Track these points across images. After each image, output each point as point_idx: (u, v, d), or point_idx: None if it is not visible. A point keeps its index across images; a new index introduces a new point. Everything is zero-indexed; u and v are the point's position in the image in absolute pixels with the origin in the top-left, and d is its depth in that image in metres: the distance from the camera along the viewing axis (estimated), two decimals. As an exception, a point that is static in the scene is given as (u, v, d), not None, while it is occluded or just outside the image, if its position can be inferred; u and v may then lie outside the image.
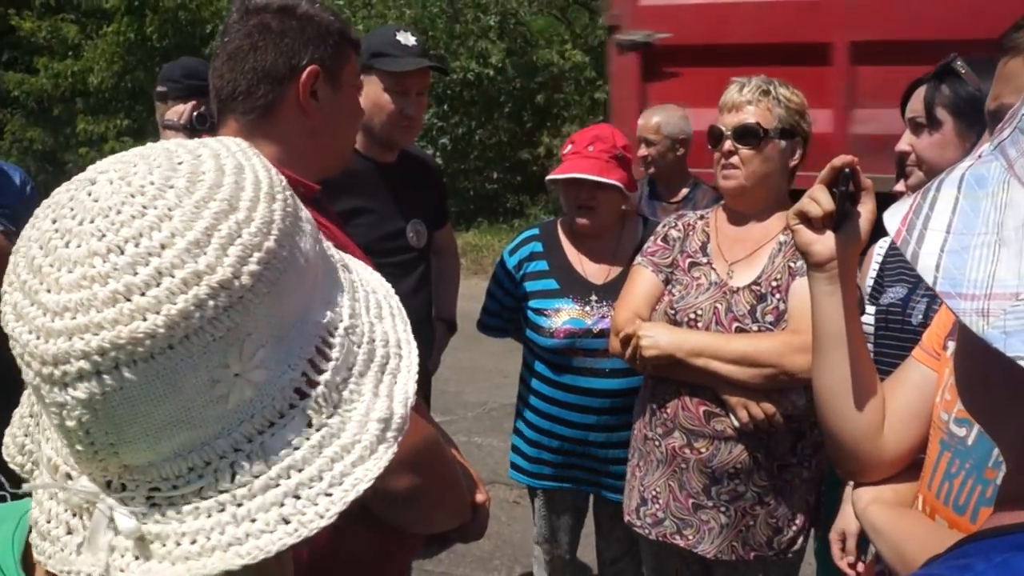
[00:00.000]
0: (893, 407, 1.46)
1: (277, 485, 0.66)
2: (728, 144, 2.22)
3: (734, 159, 2.22)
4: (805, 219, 1.54)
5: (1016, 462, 0.67)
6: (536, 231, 2.90)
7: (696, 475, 2.23)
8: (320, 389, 0.69)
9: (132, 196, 0.63)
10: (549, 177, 2.72)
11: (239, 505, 0.65)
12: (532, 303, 2.75)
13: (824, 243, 1.50)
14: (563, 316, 2.66)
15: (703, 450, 2.21)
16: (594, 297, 2.65)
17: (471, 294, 2.95)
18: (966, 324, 0.58)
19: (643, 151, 4.20)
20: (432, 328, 3.08)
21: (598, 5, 13.28)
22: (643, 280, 2.37)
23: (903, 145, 2.07)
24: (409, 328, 0.83)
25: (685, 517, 2.27)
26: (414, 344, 0.82)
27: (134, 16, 15.12)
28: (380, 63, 2.58)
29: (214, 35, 15.42)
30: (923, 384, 1.43)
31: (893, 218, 0.68)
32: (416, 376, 0.78)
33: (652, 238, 2.45)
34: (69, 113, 16.05)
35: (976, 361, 0.59)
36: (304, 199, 1.55)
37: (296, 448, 0.67)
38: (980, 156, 0.67)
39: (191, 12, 15.19)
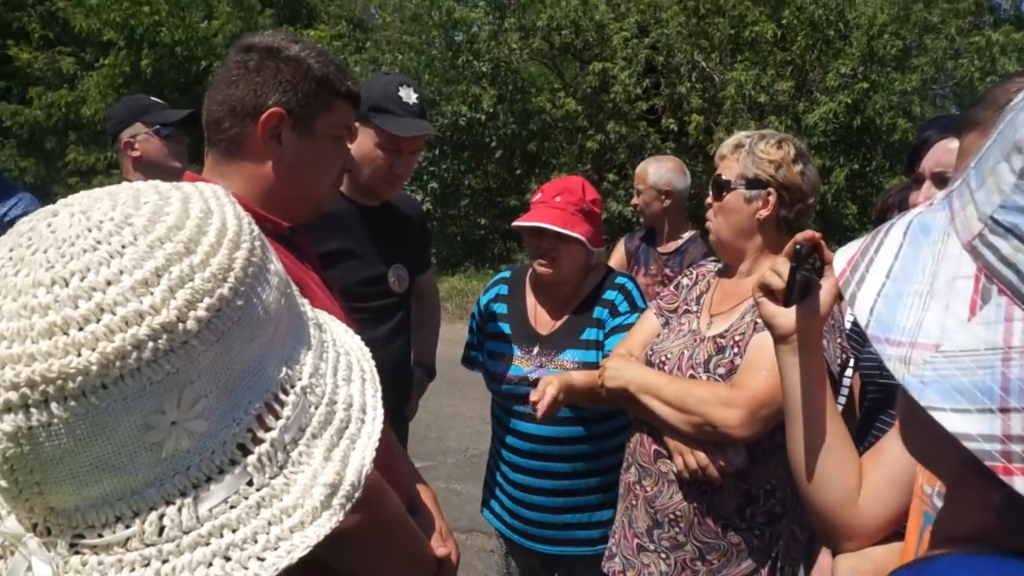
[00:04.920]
0: (873, 476, 1.46)
1: (207, 544, 0.63)
2: (708, 199, 2.30)
3: (710, 212, 2.30)
4: (768, 291, 1.56)
5: (944, 511, 0.68)
6: (507, 274, 2.95)
7: (643, 514, 2.25)
8: (265, 447, 0.67)
9: (88, 231, 0.62)
10: (514, 224, 2.72)
11: (164, 561, 0.62)
12: (489, 344, 2.80)
13: (787, 315, 1.52)
14: (508, 362, 2.71)
15: (649, 488, 2.23)
16: (537, 347, 2.67)
17: (456, 339, 2.94)
18: (890, 369, 0.60)
19: (635, 200, 4.34)
20: (411, 374, 3.07)
21: (589, 54, 13.47)
22: (646, 322, 2.45)
23: (923, 200, 2.01)
24: (379, 394, 0.81)
25: (630, 557, 2.28)
26: (380, 411, 0.80)
27: (130, 51, 15.21)
28: (379, 120, 2.54)
29: (209, 71, 15.54)
30: (905, 454, 1.42)
31: (841, 257, 0.70)
32: (376, 444, 0.76)
33: (672, 284, 2.52)
34: (61, 144, 16.08)
35: (913, 406, 0.60)
36: (270, 235, 1.57)
37: (232, 507, 0.64)
38: (932, 203, 0.68)
39: (187, 48, 15.29)
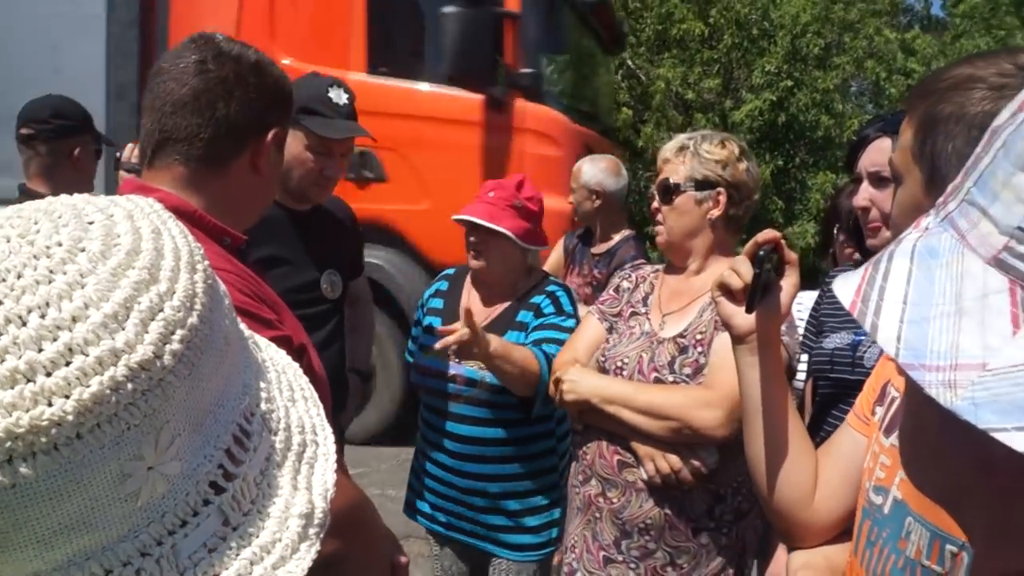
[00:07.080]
0: (826, 474, 1.45)
1: None
2: (654, 203, 2.29)
3: (659, 216, 2.29)
4: (727, 291, 1.53)
5: (981, 546, 0.65)
6: (451, 271, 2.95)
7: (608, 526, 2.18)
8: (238, 483, 0.62)
9: (35, 257, 0.54)
10: (453, 217, 2.76)
11: None
12: (421, 338, 2.81)
13: (745, 316, 1.50)
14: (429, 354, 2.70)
15: (615, 500, 2.16)
16: None
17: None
18: (932, 396, 0.56)
19: (569, 198, 4.32)
20: (346, 381, 2.98)
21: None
22: (589, 327, 2.38)
23: (862, 200, 2.03)
24: (323, 412, 0.77)
25: (595, 571, 2.22)
26: (329, 429, 0.75)
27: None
28: (309, 122, 2.47)
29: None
30: (854, 451, 1.42)
31: (846, 289, 0.67)
32: (335, 465, 0.72)
33: (608, 287, 2.47)
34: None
35: (932, 438, 0.57)
36: (230, 249, 1.52)
37: (211, 550, 0.59)
38: (927, 228, 0.66)
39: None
